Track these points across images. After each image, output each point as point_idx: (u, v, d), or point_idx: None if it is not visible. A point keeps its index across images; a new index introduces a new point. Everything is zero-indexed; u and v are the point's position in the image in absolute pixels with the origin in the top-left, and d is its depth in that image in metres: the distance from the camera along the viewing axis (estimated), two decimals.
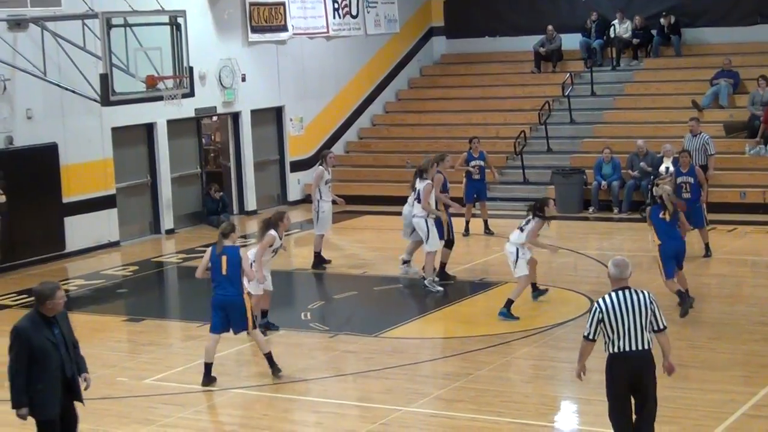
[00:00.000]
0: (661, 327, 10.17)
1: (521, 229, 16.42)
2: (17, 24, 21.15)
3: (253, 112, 27.26)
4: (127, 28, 18.43)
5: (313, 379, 14.13)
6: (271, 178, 28.01)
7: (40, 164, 21.96)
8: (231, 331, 13.87)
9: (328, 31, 28.87)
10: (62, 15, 21.07)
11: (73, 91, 19.82)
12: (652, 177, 23.68)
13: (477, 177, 22.90)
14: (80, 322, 17.82)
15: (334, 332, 16.20)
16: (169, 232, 24.85)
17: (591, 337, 10.14)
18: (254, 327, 13.86)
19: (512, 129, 28.10)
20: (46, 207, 21.99)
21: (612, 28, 29.74)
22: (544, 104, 28.38)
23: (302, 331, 16.40)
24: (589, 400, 12.35)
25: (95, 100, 18.89)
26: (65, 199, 22.46)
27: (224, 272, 13.57)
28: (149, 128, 24.71)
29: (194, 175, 26.03)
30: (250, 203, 27.17)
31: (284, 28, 27.61)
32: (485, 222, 22.97)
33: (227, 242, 13.73)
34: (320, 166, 20.37)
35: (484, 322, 16.41)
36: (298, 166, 28.56)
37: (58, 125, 22.41)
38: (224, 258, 13.59)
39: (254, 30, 26.85)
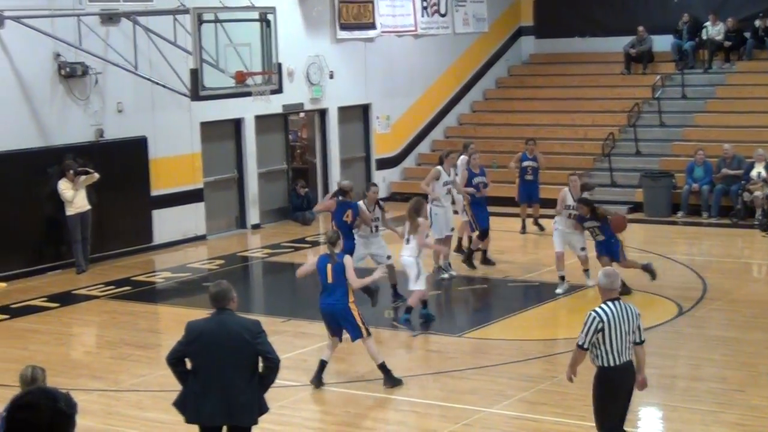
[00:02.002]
0: (642, 340, 10.17)
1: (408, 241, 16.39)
2: (109, 18, 21.42)
3: (340, 109, 27.33)
4: (218, 24, 18.53)
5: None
6: (357, 176, 28.03)
7: (129, 157, 22.24)
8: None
9: (416, 30, 28.84)
10: (154, 10, 21.28)
11: (164, 86, 19.99)
12: (742, 182, 23.35)
13: (530, 178, 22.89)
14: (167, 315, 18.04)
15: (418, 332, 16.16)
16: (255, 227, 25.00)
17: (585, 346, 10.04)
18: (369, 335, 13.64)
19: (600, 131, 27.85)
20: (134, 200, 22.25)
21: (704, 30, 29.33)
22: (633, 106, 28.09)
23: (385, 329, 16.38)
24: (675, 407, 12.19)
25: (185, 95, 19.02)
26: (153, 193, 22.70)
27: (330, 280, 13.56)
28: (237, 123, 24.90)
29: (281, 171, 26.16)
30: None
31: (372, 26, 27.64)
32: (535, 220, 23.25)
33: (336, 250, 13.57)
34: (438, 165, 19.41)
35: (567, 324, 16.28)
36: (384, 163, 28.58)
37: (148, 119, 22.66)
38: (329, 266, 13.48)
39: (343, 27, 26.92)
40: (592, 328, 9.89)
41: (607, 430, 10.25)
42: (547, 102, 30.39)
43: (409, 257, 16.34)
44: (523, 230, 23.13)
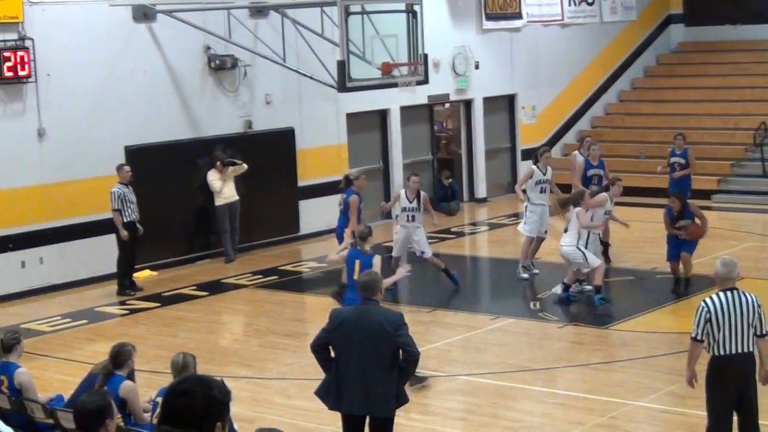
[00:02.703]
0: (764, 332, 9.87)
1: (566, 230, 16.73)
2: (258, 11, 21.71)
3: (486, 99, 27.25)
4: (364, 16, 18.62)
5: (541, 369, 14.03)
6: (502, 166, 27.94)
7: (277, 148, 22.53)
8: None
9: (563, 19, 28.57)
10: (302, 2, 21.47)
11: (311, 78, 20.18)
12: None
13: (678, 174, 21.43)
14: (313, 304, 18.22)
15: (564, 323, 16.05)
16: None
17: (699, 337, 9.85)
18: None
19: (752, 120, 27.20)
20: (282, 190, 22.54)
21: None
22: None
23: (531, 320, 16.31)
24: None
25: (332, 86, 19.17)
26: (300, 183, 22.96)
27: (356, 277, 13.10)
28: (383, 114, 25.03)
29: (426, 162, 26.21)
30: (480, 191, 27.19)
31: (519, 16, 27.49)
32: None
33: (366, 246, 13.27)
34: (532, 165, 19.20)
35: None
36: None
37: (295, 110, 22.92)
38: (357, 262, 13.15)
39: (489, 17, 26.82)
40: (702, 318, 9.79)
41: (714, 418, 10.05)
42: (697, 91, 29.82)
43: (569, 246, 16.49)
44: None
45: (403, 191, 18.13)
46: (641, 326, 15.84)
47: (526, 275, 18.61)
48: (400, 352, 9.47)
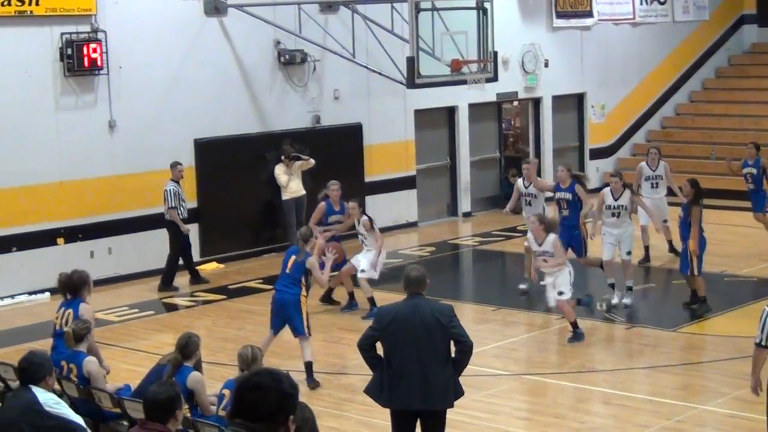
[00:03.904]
0: None
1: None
2: (329, 6, 21.78)
3: (555, 98, 27.12)
4: (435, 12, 18.60)
5: (606, 370, 13.94)
6: (570, 166, 27.67)
7: (344, 143, 22.58)
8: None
9: (634, 18, 28.39)
10: None
11: (380, 73, 20.19)
12: None
13: (751, 186, 20.53)
14: (378, 300, 18.18)
15: (631, 324, 15.93)
16: (466, 215, 25.05)
17: (763, 343, 9.67)
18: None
19: None
20: (349, 185, 22.44)
21: None
22: None
23: (597, 321, 16.20)
24: None
25: (401, 83, 19.17)
26: (367, 179, 22.99)
27: (287, 271, 13.65)
28: (451, 111, 25.00)
29: (493, 160, 26.15)
30: None
31: (590, 14, 27.33)
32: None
33: (306, 247, 13.67)
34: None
35: None
36: (598, 153, 28.23)
37: (363, 106, 22.97)
38: (292, 258, 13.66)
39: (559, 15, 26.70)
40: (766, 323, 9.59)
41: None
42: None
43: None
44: None
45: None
46: (709, 329, 15.69)
47: (524, 286, 17.79)
48: (452, 343, 9.45)
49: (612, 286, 16.93)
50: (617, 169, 20.92)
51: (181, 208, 18.87)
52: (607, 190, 16.91)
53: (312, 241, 13.90)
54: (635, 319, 16.24)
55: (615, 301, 16.76)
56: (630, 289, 16.92)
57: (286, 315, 13.53)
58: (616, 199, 16.66)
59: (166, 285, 18.91)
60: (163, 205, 18.84)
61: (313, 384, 13.42)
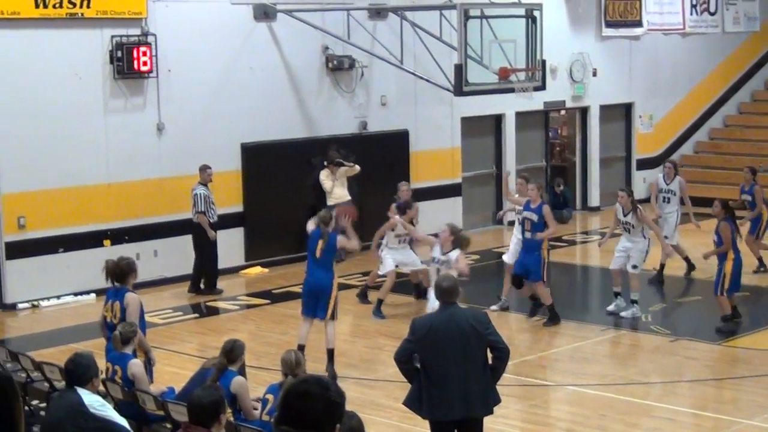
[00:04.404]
0: None
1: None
2: (377, 13, 21.81)
3: (602, 107, 27.02)
4: (483, 20, 18.57)
5: (650, 382, 13.84)
6: (617, 175, 27.63)
7: (391, 150, 22.59)
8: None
9: (684, 28, 28.24)
10: (421, 5, 21.51)
11: (427, 80, 20.17)
12: None
13: (745, 217, 19.69)
14: (420, 307, 18.18)
15: (676, 336, 15.82)
16: (511, 223, 24.89)
17: None
18: (333, 317, 14.16)
19: None
20: (394, 192, 22.49)
21: None
22: None
23: (643, 333, 16.11)
24: None
25: (448, 90, 19.15)
26: (413, 185, 22.90)
27: (317, 255, 14.13)
28: (497, 119, 24.95)
29: (539, 168, 26.05)
30: (594, 199, 26.95)
31: (639, 24, 27.21)
32: None
33: (329, 229, 14.25)
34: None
35: None
36: (645, 164, 28.07)
37: (410, 112, 22.97)
38: (321, 242, 14.13)
39: (608, 24, 26.59)
40: None
41: None
42: None
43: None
44: None
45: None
46: (755, 343, 15.54)
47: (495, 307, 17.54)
48: (489, 350, 9.45)
49: (616, 294, 16.95)
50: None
51: (211, 212, 18.84)
52: (618, 205, 16.85)
53: (331, 223, 14.35)
54: (679, 331, 16.12)
55: (611, 308, 16.88)
56: (634, 302, 16.81)
57: (320, 298, 14.10)
58: (624, 215, 16.68)
59: (201, 288, 18.88)
60: (191, 209, 18.85)
61: (331, 371, 13.76)
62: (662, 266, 19.00)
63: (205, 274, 19.09)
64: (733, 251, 15.92)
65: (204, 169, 18.89)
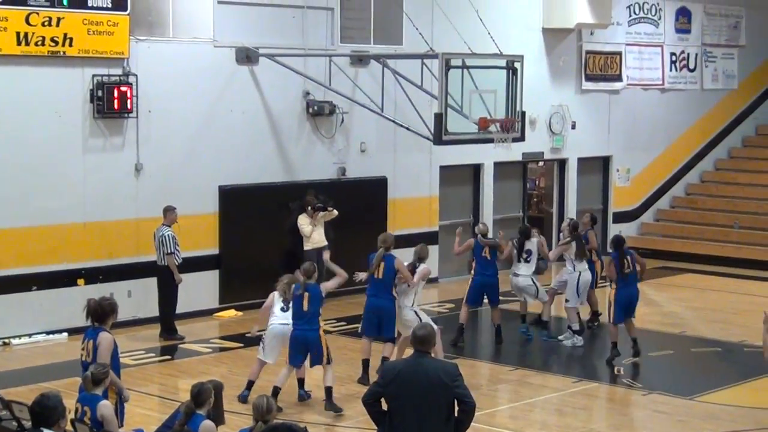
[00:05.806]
0: None
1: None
2: (359, 60, 21.91)
3: (580, 159, 27.16)
4: (465, 70, 18.67)
5: None
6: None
7: (369, 196, 22.62)
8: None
9: (663, 83, 28.51)
10: (403, 54, 21.63)
11: (407, 128, 20.24)
12: None
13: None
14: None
15: (647, 390, 15.82)
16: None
17: None
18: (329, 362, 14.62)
19: None
20: (371, 238, 22.41)
21: None
22: None
23: (614, 385, 16.10)
24: None
25: (428, 138, 19.21)
26: (390, 232, 22.90)
27: (305, 309, 14.51)
28: (476, 169, 25.03)
29: (516, 219, 26.10)
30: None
31: (619, 78, 27.45)
32: None
33: (310, 282, 14.63)
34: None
35: None
36: (621, 217, 28.19)
37: (389, 160, 23.04)
38: (306, 295, 14.55)
39: (588, 78, 26.80)
40: None
41: None
42: None
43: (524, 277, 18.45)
44: None
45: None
46: (726, 399, 15.56)
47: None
48: (456, 403, 9.40)
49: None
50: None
51: (177, 254, 18.71)
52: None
53: (314, 276, 14.75)
54: (653, 384, 16.11)
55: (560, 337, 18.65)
56: (576, 332, 18.52)
57: (309, 350, 14.52)
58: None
59: (169, 333, 18.81)
60: (156, 252, 18.65)
61: (331, 407, 14.42)
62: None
63: (165, 317, 18.98)
64: (616, 282, 17.10)
65: (171, 210, 18.78)
